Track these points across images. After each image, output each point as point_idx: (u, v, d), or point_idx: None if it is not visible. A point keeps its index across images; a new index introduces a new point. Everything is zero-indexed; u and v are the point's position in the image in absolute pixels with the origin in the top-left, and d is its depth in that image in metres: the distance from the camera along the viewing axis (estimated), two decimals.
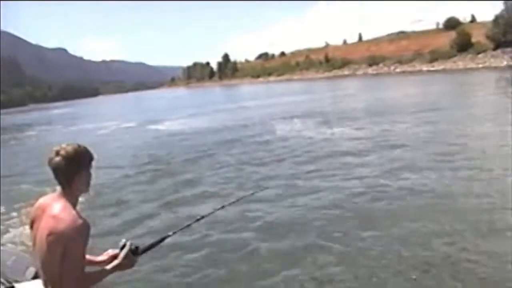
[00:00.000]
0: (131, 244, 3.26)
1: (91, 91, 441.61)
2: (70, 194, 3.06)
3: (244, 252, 8.36)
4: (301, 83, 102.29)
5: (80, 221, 2.90)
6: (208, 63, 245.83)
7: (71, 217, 2.90)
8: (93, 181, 3.26)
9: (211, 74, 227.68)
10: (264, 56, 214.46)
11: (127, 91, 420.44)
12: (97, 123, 48.30)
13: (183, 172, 16.22)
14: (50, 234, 2.90)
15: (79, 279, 2.92)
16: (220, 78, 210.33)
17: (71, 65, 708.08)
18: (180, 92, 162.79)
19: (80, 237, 2.89)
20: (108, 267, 3.17)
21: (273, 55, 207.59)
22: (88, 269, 3.10)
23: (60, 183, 3.06)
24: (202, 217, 3.90)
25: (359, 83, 75.89)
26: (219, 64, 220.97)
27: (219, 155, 19.23)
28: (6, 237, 9.62)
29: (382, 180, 11.93)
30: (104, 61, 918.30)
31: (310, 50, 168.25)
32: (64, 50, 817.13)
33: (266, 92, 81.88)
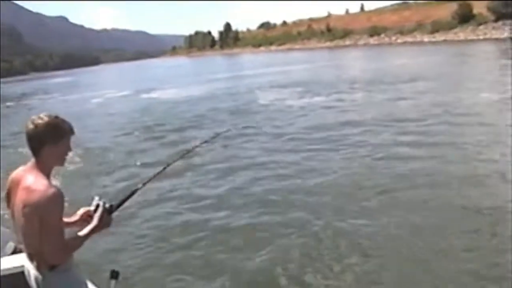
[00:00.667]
0: (104, 203, 3.24)
1: (92, 60, 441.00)
2: (42, 164, 3.07)
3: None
4: (302, 53, 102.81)
5: (52, 190, 2.90)
6: (209, 32, 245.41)
7: (43, 187, 2.91)
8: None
9: (213, 43, 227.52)
10: (265, 25, 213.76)
11: (128, 59, 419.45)
12: (93, 91, 49.38)
13: (163, 137, 17.52)
14: (24, 206, 2.93)
15: (60, 249, 2.96)
16: (222, 47, 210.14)
17: (72, 34, 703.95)
18: (180, 61, 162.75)
19: (55, 206, 2.90)
20: (86, 230, 3.15)
21: (274, 25, 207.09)
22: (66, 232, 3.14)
23: (32, 153, 3.09)
24: (168, 165, 3.90)
25: (359, 53, 76.50)
26: (221, 33, 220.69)
27: (200, 122, 20.36)
28: None
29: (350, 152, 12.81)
30: (105, 30, 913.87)
31: (312, 20, 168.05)
32: (65, 19, 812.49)
33: (265, 61, 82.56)
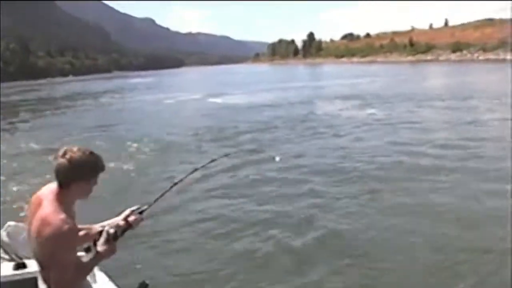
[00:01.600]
0: (107, 231, 3.23)
1: (175, 62, 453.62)
2: (66, 197, 3.07)
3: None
4: (383, 66, 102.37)
5: (66, 227, 2.89)
6: (293, 41, 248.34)
7: (58, 222, 2.89)
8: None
9: (296, 52, 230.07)
10: (349, 37, 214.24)
11: (211, 64, 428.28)
12: (167, 93, 51.62)
13: (209, 140, 18.69)
14: (38, 236, 2.95)
15: (67, 282, 2.98)
16: (304, 56, 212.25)
17: (157, 35, 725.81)
18: (262, 68, 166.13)
19: (67, 242, 2.92)
20: (87, 258, 3.18)
21: (358, 36, 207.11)
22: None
23: (58, 184, 3.06)
24: (178, 181, 3.77)
25: (440, 69, 75.52)
26: (304, 42, 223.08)
27: (254, 130, 21.00)
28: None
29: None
30: (190, 33, 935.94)
31: (395, 33, 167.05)
32: (152, 20, 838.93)
33: (345, 72, 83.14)
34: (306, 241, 7.83)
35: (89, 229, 3.42)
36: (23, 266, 4.11)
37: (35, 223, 2.97)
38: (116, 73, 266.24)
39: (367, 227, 8.34)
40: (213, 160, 4.22)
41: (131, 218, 3.38)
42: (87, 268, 3.16)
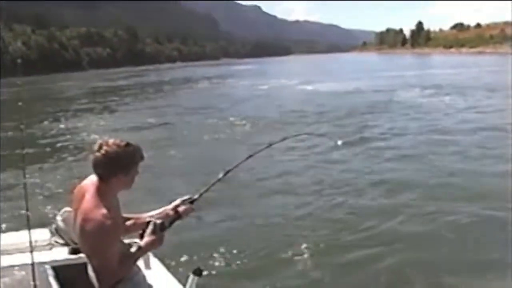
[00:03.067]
0: (154, 222, 3.26)
1: (283, 50, 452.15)
2: (108, 190, 3.09)
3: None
4: (493, 57, 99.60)
5: (108, 223, 2.93)
6: (401, 30, 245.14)
7: (100, 218, 2.93)
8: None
9: (404, 42, 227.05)
10: (459, 26, 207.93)
11: (319, 52, 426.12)
12: (267, 79, 54.95)
13: (276, 124, 20.36)
14: (81, 229, 3.03)
15: (112, 271, 3.04)
16: (413, 46, 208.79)
17: (264, 23, 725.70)
18: (369, 57, 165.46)
19: (108, 237, 2.96)
20: (134, 248, 3.20)
21: (468, 26, 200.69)
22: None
23: (98, 178, 3.09)
24: (249, 156, 3.85)
25: None
26: (412, 31, 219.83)
27: (335, 114, 23.21)
28: None
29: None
30: (297, 21, 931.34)
31: (506, 24, 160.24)
32: (259, 8, 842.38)
33: (452, 62, 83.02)
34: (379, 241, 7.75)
35: (138, 218, 3.51)
36: (78, 251, 4.03)
37: (79, 216, 3.04)
38: (224, 60, 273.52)
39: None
40: (269, 145, 4.12)
41: (181, 208, 3.47)
42: (132, 259, 3.19)
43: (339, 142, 4.99)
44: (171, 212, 3.43)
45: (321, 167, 12.62)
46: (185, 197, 3.52)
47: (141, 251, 3.21)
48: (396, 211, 8.89)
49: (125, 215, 3.39)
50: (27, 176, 4.42)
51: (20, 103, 3.98)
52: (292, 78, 54.13)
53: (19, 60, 4.23)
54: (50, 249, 4.56)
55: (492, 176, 10.97)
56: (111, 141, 3.03)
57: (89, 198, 3.02)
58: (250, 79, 59.47)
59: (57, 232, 4.63)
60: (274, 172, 12.04)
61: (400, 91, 33.11)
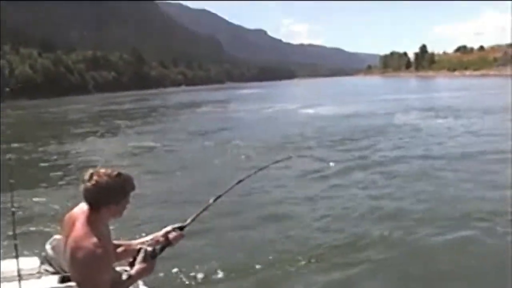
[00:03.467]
0: (145, 250, 3.28)
1: (287, 74, 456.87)
2: (98, 219, 3.07)
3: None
4: (495, 80, 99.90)
5: (98, 251, 2.92)
6: (405, 53, 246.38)
7: (90, 246, 2.92)
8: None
9: (408, 65, 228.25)
10: (462, 49, 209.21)
11: (323, 75, 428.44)
12: (269, 103, 55.10)
13: (272, 147, 20.50)
14: (71, 257, 3.01)
15: None
16: (417, 69, 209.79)
17: (269, 47, 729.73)
18: (373, 80, 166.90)
19: (98, 266, 2.95)
20: (125, 276, 3.24)
21: (471, 49, 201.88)
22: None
23: (89, 206, 3.08)
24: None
25: None
26: (416, 54, 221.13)
27: (319, 138, 23.43)
28: None
29: None
30: (301, 45, 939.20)
31: (510, 46, 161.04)
32: (264, 32, 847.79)
33: (453, 85, 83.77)
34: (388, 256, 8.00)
35: (128, 245, 3.51)
36: (67, 279, 4.01)
37: (69, 244, 3.02)
38: (228, 84, 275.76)
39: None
40: (259, 170, 4.35)
41: (172, 235, 3.46)
42: (123, 287, 3.20)
43: (332, 164, 5.21)
44: (162, 239, 3.43)
45: (311, 187, 12.79)
46: (176, 225, 3.52)
47: (132, 279, 3.22)
48: (389, 237, 8.84)
49: (115, 242, 3.41)
50: (15, 204, 4.48)
51: (9, 132, 4.07)
52: (295, 102, 54.83)
53: (7, 89, 4.26)
54: (39, 277, 4.51)
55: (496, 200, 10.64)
56: (102, 171, 3.03)
57: (80, 226, 3.01)
58: (254, 103, 60.11)
59: (46, 260, 4.62)
60: (264, 196, 12.08)
61: (400, 114, 33.30)
